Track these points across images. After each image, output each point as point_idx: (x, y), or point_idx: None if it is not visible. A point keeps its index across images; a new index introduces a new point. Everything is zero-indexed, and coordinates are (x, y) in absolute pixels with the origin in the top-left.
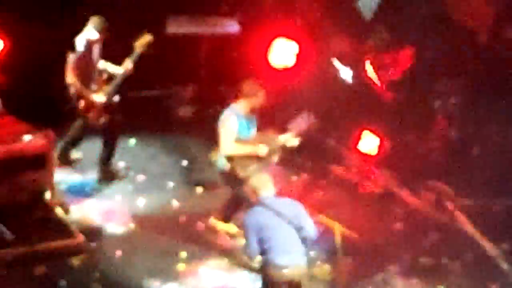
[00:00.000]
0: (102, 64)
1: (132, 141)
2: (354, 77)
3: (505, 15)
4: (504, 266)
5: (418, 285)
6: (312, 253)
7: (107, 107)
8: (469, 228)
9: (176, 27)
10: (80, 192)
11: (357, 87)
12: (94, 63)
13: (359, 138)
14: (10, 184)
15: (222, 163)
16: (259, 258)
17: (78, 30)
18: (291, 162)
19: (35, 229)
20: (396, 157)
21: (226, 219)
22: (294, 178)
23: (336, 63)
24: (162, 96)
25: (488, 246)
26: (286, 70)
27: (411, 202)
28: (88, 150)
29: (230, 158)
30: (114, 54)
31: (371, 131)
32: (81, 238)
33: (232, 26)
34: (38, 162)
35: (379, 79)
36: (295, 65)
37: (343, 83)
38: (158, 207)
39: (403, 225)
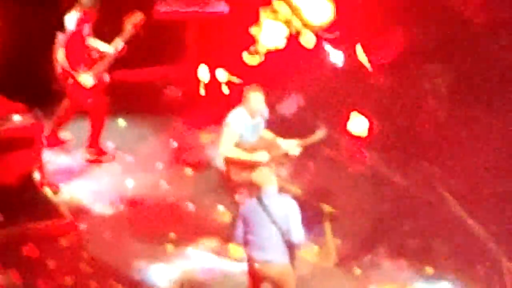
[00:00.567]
0: (93, 43)
1: (121, 121)
2: (344, 59)
3: None
4: (492, 247)
5: (406, 266)
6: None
7: (95, 87)
8: (457, 209)
9: (165, 6)
10: (68, 172)
11: (347, 70)
12: (84, 42)
13: (348, 119)
14: None
15: (220, 162)
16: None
17: (68, 8)
18: None
19: (24, 210)
20: (385, 138)
21: None
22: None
23: (327, 45)
24: (151, 77)
25: (476, 228)
26: (276, 51)
27: (400, 183)
28: (77, 131)
29: (227, 161)
30: (104, 33)
31: (360, 112)
32: (69, 218)
33: (221, 7)
34: (27, 142)
35: (370, 61)
36: (285, 46)
37: (333, 66)
38: (147, 188)
39: (391, 206)
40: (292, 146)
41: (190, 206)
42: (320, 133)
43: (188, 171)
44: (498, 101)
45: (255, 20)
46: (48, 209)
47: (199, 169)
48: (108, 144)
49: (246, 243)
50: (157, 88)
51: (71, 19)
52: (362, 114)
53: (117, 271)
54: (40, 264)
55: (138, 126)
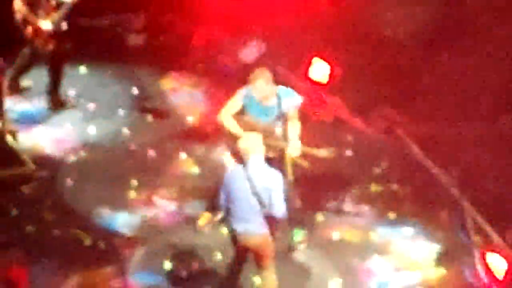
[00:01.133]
0: None
1: (83, 69)
2: (305, 5)
3: None
4: (454, 192)
5: (369, 212)
6: None
7: (55, 34)
8: (419, 154)
9: None
10: (30, 120)
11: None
12: None
13: (309, 65)
14: None
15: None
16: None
17: None
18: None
19: None
20: (347, 84)
21: None
22: None
23: None
24: (113, 24)
25: (438, 173)
26: None
27: (362, 129)
28: (38, 78)
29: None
30: None
31: (321, 58)
32: (31, 166)
33: None
34: None
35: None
36: None
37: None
38: (109, 135)
39: (354, 152)
40: (292, 147)
41: (152, 153)
42: (325, 152)
43: (150, 118)
44: (458, 46)
45: None
46: (10, 157)
47: (161, 116)
48: (70, 91)
49: (227, 212)
50: (119, 35)
51: None
52: (323, 59)
53: (80, 218)
54: (2, 213)
55: (99, 73)
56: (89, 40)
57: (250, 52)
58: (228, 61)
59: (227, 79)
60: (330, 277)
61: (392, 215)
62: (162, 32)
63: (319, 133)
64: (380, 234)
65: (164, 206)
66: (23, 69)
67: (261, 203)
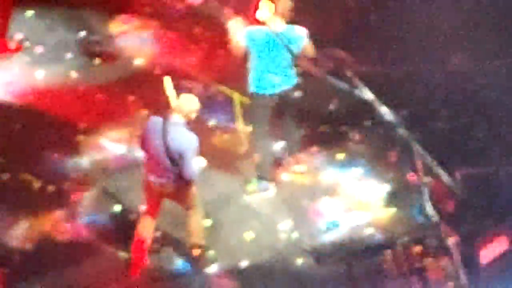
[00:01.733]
0: None
1: (29, 12)
2: None
3: None
4: (403, 133)
5: (318, 153)
6: (211, 123)
7: None
8: (368, 95)
9: None
10: None
11: None
12: None
13: (257, 7)
14: None
15: None
16: None
17: None
18: (190, 32)
19: None
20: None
21: None
22: (193, 47)
23: None
24: None
25: (387, 113)
26: None
27: (310, 70)
28: None
29: None
30: None
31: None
32: None
33: None
34: None
35: None
36: None
37: None
38: (57, 79)
39: (302, 93)
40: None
41: (100, 96)
42: None
43: (97, 61)
44: None
45: None
46: None
47: (109, 59)
48: (16, 35)
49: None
50: None
51: None
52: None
53: (28, 162)
54: None
55: (46, 17)
56: None
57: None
58: (176, 3)
59: (175, 21)
60: (280, 219)
61: (341, 156)
62: None
63: None
64: (329, 175)
65: (112, 149)
66: None
67: (172, 161)
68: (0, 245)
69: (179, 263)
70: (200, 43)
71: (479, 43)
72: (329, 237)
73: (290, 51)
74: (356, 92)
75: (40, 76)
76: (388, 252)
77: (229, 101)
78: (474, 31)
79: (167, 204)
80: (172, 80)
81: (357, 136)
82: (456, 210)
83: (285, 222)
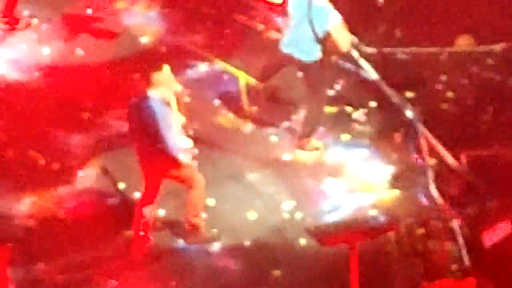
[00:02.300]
0: None
1: None
2: None
3: None
4: (408, 114)
5: (323, 133)
6: (216, 103)
7: None
8: (373, 76)
9: None
10: None
11: None
12: None
13: None
14: None
15: None
16: None
17: None
18: (196, 10)
19: None
20: None
21: None
22: (199, 27)
23: None
24: None
25: (392, 94)
26: None
27: None
28: None
29: None
30: None
31: None
32: None
33: None
34: None
35: None
36: None
37: None
38: (63, 56)
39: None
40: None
41: (106, 74)
42: None
43: (105, 38)
44: None
45: None
46: None
47: (115, 36)
48: (24, 12)
49: None
50: None
51: None
52: None
53: (34, 139)
54: None
55: None
56: None
57: None
58: None
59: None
60: (283, 199)
61: (345, 137)
62: None
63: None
64: (334, 155)
65: (118, 127)
66: None
67: (155, 137)
68: (5, 221)
69: (182, 241)
70: (206, 22)
71: (485, 24)
72: (332, 218)
73: (312, 27)
74: (362, 73)
75: (47, 53)
76: (392, 233)
77: (235, 80)
78: (480, 13)
79: (172, 183)
80: (178, 58)
81: (362, 117)
82: (460, 193)
83: (288, 202)
